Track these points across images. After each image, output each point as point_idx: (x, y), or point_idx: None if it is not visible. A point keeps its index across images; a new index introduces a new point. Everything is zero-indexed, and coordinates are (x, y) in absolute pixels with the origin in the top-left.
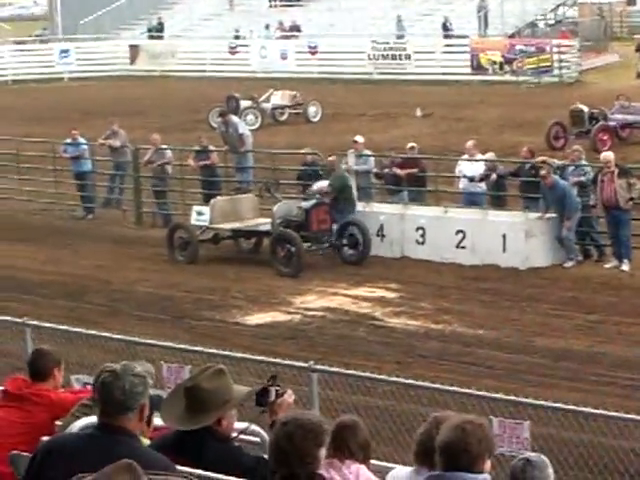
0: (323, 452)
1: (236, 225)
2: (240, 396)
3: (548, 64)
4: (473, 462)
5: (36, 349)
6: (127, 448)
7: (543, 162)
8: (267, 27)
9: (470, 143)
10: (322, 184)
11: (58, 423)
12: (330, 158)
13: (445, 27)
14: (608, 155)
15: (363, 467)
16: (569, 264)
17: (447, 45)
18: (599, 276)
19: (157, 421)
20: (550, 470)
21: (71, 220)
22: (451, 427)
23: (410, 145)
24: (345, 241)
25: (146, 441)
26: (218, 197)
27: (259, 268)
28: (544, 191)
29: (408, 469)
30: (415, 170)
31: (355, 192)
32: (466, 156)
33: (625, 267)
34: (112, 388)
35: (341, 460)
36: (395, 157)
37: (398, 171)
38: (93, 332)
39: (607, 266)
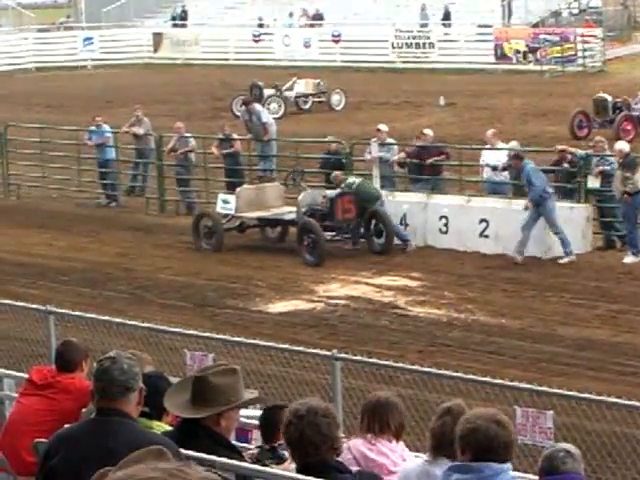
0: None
1: (262, 214)
2: (245, 400)
3: (572, 53)
4: (505, 455)
5: (65, 341)
6: (128, 430)
7: (563, 151)
8: (291, 15)
9: (490, 132)
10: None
11: (84, 411)
12: (336, 173)
13: (446, 16)
14: (617, 145)
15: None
16: (565, 260)
17: (471, 34)
18: (622, 265)
19: None
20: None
21: (94, 208)
22: (486, 421)
23: (425, 131)
24: (371, 231)
25: (167, 427)
26: (244, 185)
27: (283, 257)
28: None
29: (419, 461)
30: (444, 156)
31: (373, 185)
32: (489, 145)
33: (626, 259)
34: (112, 370)
35: (379, 436)
36: (413, 146)
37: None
38: (116, 319)
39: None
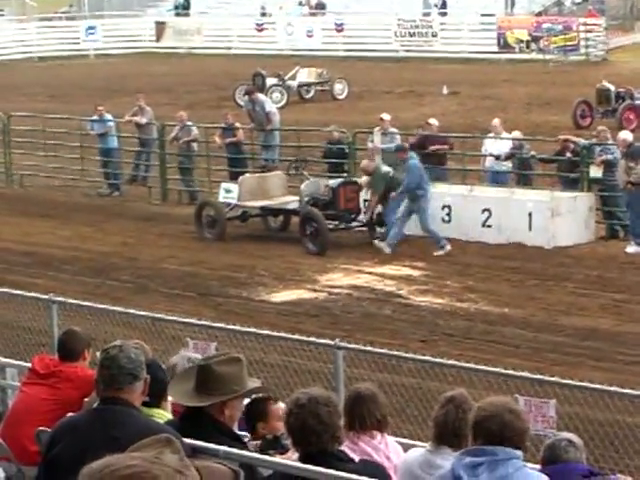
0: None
1: (264, 203)
2: (249, 389)
3: (575, 42)
4: (518, 443)
5: (67, 330)
6: (132, 420)
7: (566, 140)
8: (300, 3)
9: (496, 121)
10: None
11: (86, 400)
12: (364, 162)
13: (443, 5)
14: (620, 134)
15: (388, 437)
16: (440, 252)
17: (474, 23)
18: (625, 255)
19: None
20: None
21: (97, 197)
22: (500, 409)
23: (430, 121)
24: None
25: (168, 415)
26: (247, 174)
27: (285, 246)
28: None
29: (420, 450)
30: (446, 146)
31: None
32: (492, 134)
33: (629, 249)
34: (119, 358)
35: (362, 432)
36: (417, 135)
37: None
38: (119, 309)
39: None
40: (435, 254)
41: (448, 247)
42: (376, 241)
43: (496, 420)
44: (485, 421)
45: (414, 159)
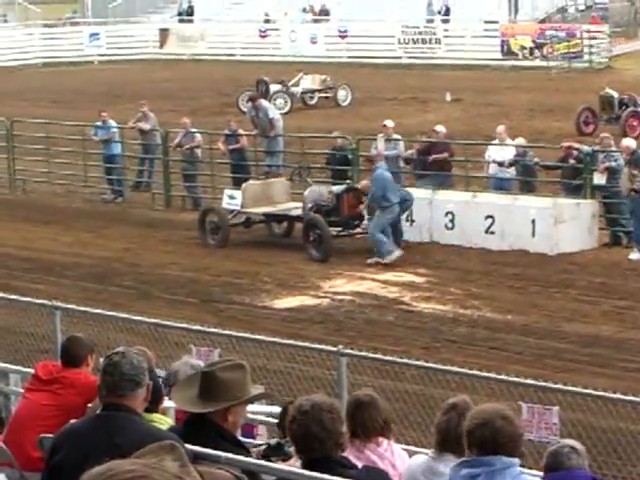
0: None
1: (268, 209)
2: (252, 395)
3: (578, 49)
4: (512, 450)
5: (70, 336)
6: (135, 426)
7: (569, 147)
8: (304, 10)
9: (501, 128)
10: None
11: (89, 406)
12: (363, 182)
13: (446, 12)
14: (623, 141)
15: (395, 444)
16: (372, 260)
17: (477, 30)
18: (628, 262)
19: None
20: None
21: (100, 203)
22: (492, 416)
23: (437, 128)
24: None
25: (168, 420)
26: (250, 181)
27: (289, 252)
28: None
29: (424, 457)
30: (445, 155)
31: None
32: (496, 141)
33: (632, 256)
34: (122, 364)
35: (367, 439)
36: (424, 142)
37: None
38: (122, 315)
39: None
40: (368, 261)
41: (392, 257)
42: (369, 259)
43: (488, 427)
44: (477, 429)
45: (380, 169)
